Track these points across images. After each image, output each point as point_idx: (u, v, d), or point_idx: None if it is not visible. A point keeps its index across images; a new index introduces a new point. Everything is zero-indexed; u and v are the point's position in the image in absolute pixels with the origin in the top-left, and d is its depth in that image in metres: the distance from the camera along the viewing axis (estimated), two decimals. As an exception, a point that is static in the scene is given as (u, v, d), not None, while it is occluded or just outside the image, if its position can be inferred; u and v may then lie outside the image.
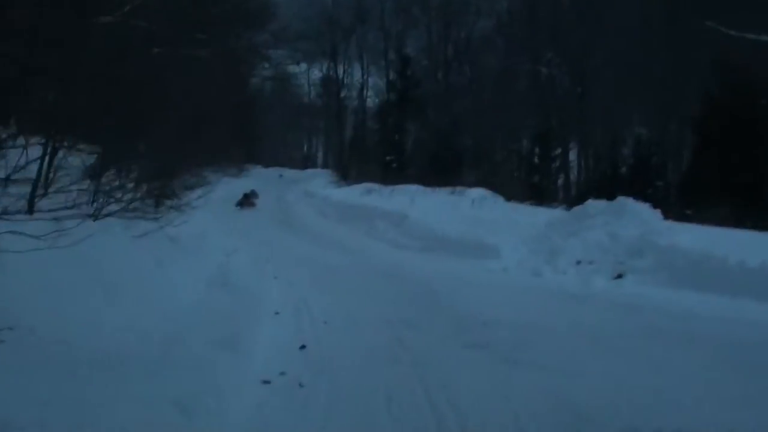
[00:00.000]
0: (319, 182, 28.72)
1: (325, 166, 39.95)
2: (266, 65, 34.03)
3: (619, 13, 24.57)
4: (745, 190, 15.51)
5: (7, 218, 3.64)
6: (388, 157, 27.16)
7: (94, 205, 5.23)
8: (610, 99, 23.69)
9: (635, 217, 10.05)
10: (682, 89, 21.61)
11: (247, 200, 19.53)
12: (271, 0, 27.71)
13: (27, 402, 3.02)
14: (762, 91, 17.24)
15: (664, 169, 22.90)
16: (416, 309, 6.86)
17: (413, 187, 18.81)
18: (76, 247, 4.10)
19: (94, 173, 5.76)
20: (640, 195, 12.84)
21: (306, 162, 44.05)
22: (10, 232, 3.58)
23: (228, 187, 17.57)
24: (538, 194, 21.84)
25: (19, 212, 3.92)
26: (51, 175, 5.07)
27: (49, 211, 4.37)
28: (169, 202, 7.32)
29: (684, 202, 17.56)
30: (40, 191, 4.74)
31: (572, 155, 26.96)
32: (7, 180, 3.78)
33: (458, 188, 18.18)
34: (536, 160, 25.42)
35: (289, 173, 35.05)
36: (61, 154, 5.26)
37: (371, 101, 35.97)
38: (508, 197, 17.49)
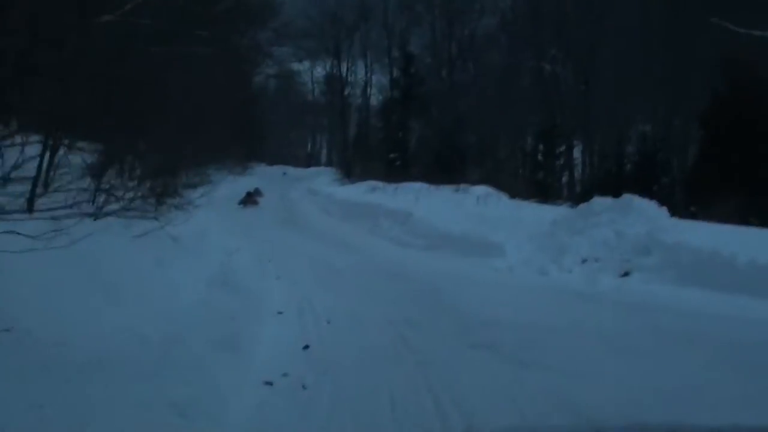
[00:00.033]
0: (322, 180, 28.69)
1: (328, 163, 39.88)
2: (269, 63, 34.06)
3: (624, 9, 24.44)
4: (751, 187, 15.40)
5: (6, 217, 3.59)
6: (391, 155, 27.05)
7: (95, 203, 5.18)
8: (615, 96, 23.54)
9: (641, 215, 9.94)
10: (687, 86, 21.48)
11: (250, 198, 19.50)
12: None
13: (24, 405, 2.97)
14: (769, 88, 17.11)
15: (668, 165, 22.76)
16: (420, 308, 6.80)
17: (417, 185, 18.72)
18: (75, 247, 4.04)
19: (94, 172, 5.72)
20: (646, 192, 12.73)
21: (310, 160, 44.05)
22: (8, 231, 3.53)
23: (232, 185, 17.51)
24: (543, 191, 21.67)
25: (17, 211, 3.87)
26: (51, 173, 5.03)
27: (49, 210, 4.32)
28: (171, 201, 7.28)
29: (689, 199, 17.45)
30: (39, 190, 4.70)
31: (577, 152, 26.77)
32: (6, 179, 3.72)
33: (462, 186, 18.02)
34: (540, 157, 25.23)
35: (293, 171, 35.04)
36: (61, 152, 5.22)
37: (375, 99, 35.86)
38: (513, 195, 17.36)
